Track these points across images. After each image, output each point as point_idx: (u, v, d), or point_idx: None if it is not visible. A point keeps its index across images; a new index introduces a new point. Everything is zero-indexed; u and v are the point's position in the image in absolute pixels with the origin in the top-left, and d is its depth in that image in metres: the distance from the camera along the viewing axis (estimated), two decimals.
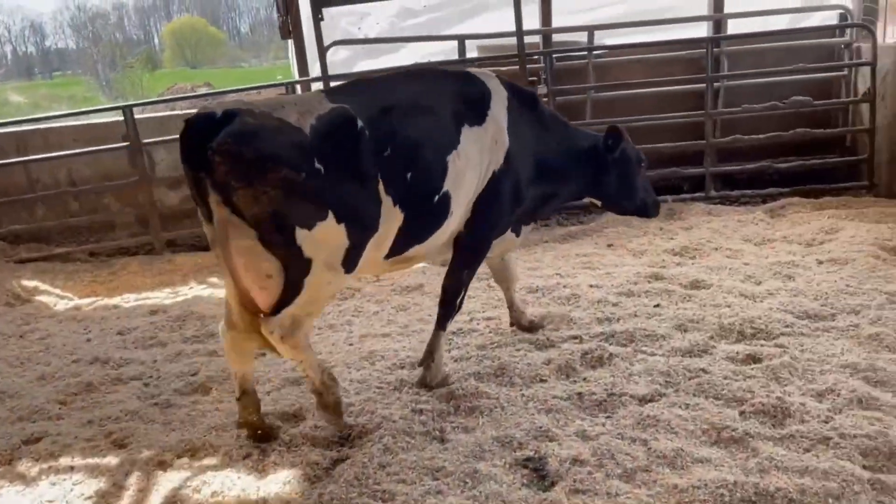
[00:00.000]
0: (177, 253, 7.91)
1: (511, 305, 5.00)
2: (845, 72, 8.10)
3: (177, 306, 6.31)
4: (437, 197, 3.80)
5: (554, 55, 7.76)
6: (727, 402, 3.84)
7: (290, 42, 7.51)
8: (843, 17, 8.18)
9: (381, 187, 3.53)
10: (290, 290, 3.37)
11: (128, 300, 6.67)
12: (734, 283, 5.56)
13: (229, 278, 3.41)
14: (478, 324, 5.28)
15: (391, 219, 3.60)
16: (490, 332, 5.09)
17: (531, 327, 4.96)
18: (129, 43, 48.55)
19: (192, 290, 6.85)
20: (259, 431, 3.81)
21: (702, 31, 8.11)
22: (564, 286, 5.88)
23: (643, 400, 3.97)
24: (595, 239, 7.23)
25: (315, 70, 7.52)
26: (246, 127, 3.15)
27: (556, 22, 7.87)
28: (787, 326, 4.68)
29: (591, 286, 5.81)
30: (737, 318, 4.82)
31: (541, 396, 4.06)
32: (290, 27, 7.14)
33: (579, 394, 4.06)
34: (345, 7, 7.90)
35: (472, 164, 3.92)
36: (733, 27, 8.11)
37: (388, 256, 3.79)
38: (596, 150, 4.52)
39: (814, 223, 6.89)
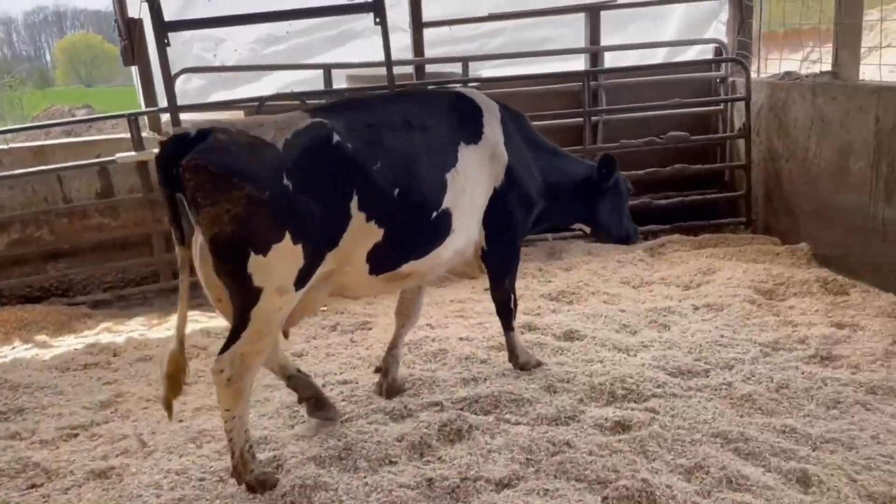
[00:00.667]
0: (2, 306, 6.98)
1: (392, 346, 4.64)
2: (721, 106, 8.13)
3: None
4: (434, 213, 3.87)
5: (428, 87, 7.38)
6: (590, 486, 3.48)
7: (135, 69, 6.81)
8: (718, 52, 8.22)
9: (353, 203, 3.53)
10: (238, 321, 3.35)
11: None
12: (609, 334, 5.28)
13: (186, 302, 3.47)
14: (332, 389, 4.76)
15: (361, 235, 3.59)
16: (343, 401, 4.57)
17: (393, 388, 4.58)
18: (18, 59, 45.86)
19: (12, 351, 6.00)
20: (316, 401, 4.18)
21: (581, 64, 7.94)
22: (433, 339, 5.45)
23: (500, 484, 3.55)
24: (471, 282, 6.85)
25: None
26: (216, 143, 3.21)
27: (430, 52, 7.53)
28: (658, 386, 4.39)
29: (461, 339, 5.41)
30: (608, 376, 4.51)
31: (386, 485, 3.57)
32: (132, 53, 6.44)
33: (430, 480, 3.60)
34: (198, 31, 7.30)
35: (471, 180, 4.03)
36: (611, 60, 8.01)
37: (377, 272, 3.78)
38: (590, 178, 4.63)
39: (692, 263, 6.77)
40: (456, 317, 6.00)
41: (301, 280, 3.42)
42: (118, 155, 6.83)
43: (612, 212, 4.82)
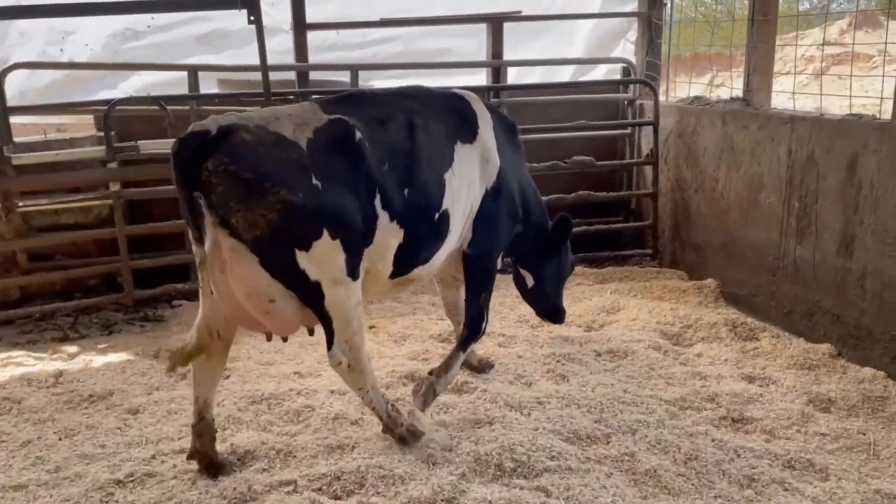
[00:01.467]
0: None
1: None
2: (629, 130, 7.73)
3: None
4: (437, 214, 3.88)
5: (312, 97, 6.61)
6: None
7: None
8: (626, 72, 7.84)
9: (377, 201, 3.57)
10: (323, 319, 3.53)
11: None
12: (501, 387, 4.66)
13: (212, 300, 3.46)
14: (162, 462, 3.91)
15: (389, 234, 3.65)
16: (173, 479, 3.74)
17: (483, 367, 4.87)
18: None
19: None
20: (211, 463, 3.73)
21: (482, 78, 7.37)
22: (299, 392, 4.69)
23: None
24: None
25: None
26: (243, 145, 3.18)
27: (317, 58, 6.78)
28: (553, 458, 3.78)
29: (332, 392, 4.66)
30: (496, 444, 3.88)
31: None
32: None
33: None
34: (40, 21, 6.28)
35: (465, 181, 4.03)
36: (515, 76, 7.48)
37: (394, 275, 3.84)
38: (547, 231, 4.76)
39: (595, 300, 6.27)
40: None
41: (350, 271, 3.49)
42: None
43: (554, 277, 4.96)
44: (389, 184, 3.61)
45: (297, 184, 3.25)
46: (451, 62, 7.31)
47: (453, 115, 4.13)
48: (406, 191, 3.70)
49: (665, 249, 7.33)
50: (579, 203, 7.23)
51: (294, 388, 4.77)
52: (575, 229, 7.12)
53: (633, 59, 7.78)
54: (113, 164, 6.05)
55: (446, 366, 4.30)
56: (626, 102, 7.79)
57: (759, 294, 5.89)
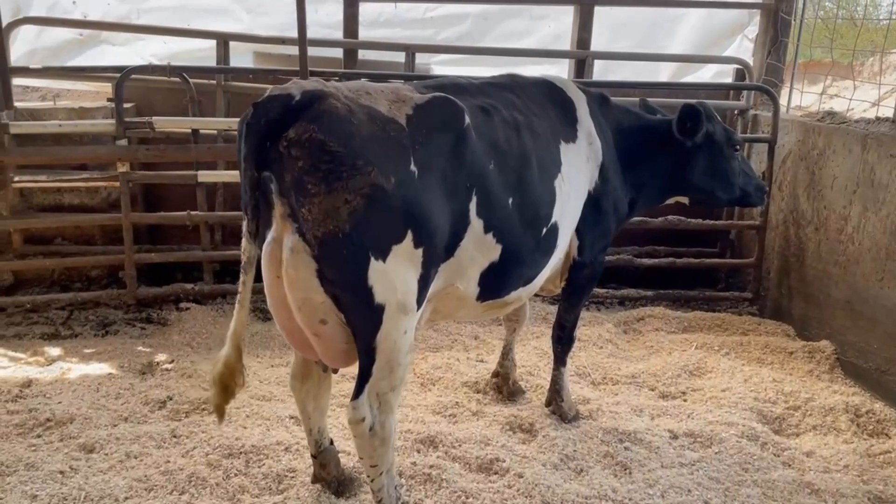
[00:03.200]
0: None
1: (506, 353, 4.54)
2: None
3: None
4: (545, 229, 3.47)
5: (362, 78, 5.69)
6: None
7: None
8: (740, 75, 6.61)
9: (472, 206, 3.05)
10: (364, 357, 2.86)
11: None
12: (543, 473, 3.65)
13: (245, 312, 2.86)
14: None
15: (479, 248, 3.15)
16: None
17: (514, 391, 4.52)
18: None
19: None
20: (340, 484, 3.49)
21: (561, 71, 6.28)
22: (287, 448, 3.85)
23: None
24: None
25: None
26: (334, 112, 2.66)
27: (367, 34, 5.85)
28: None
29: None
30: None
31: None
32: None
33: None
34: None
35: (574, 187, 3.66)
36: (601, 71, 6.35)
37: (483, 298, 3.35)
38: (668, 137, 4.06)
39: (676, 355, 5.13)
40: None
41: (420, 295, 2.93)
42: None
43: (712, 173, 4.20)
44: (493, 187, 3.12)
45: (393, 166, 2.73)
46: (528, 49, 6.22)
47: (552, 108, 3.70)
48: (511, 199, 3.23)
49: (769, 295, 6.09)
50: (667, 229, 6.09)
51: (283, 440, 3.90)
52: (660, 260, 6.11)
53: (749, 61, 6.53)
54: (122, 142, 5.30)
55: (557, 392, 4.24)
56: (736, 112, 6.57)
57: (893, 372, 4.64)
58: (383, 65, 5.91)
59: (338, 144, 2.63)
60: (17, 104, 5.43)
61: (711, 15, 6.82)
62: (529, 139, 3.37)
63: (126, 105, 5.55)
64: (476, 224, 3.09)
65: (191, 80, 5.43)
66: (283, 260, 2.76)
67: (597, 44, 6.15)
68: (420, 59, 5.87)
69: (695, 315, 5.88)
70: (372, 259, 2.73)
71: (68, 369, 4.83)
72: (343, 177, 2.64)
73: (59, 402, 4.32)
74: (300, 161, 2.62)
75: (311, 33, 5.46)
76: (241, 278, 2.83)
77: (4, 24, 5.10)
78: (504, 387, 4.53)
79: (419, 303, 2.96)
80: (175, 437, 3.98)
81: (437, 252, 2.95)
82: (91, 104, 5.72)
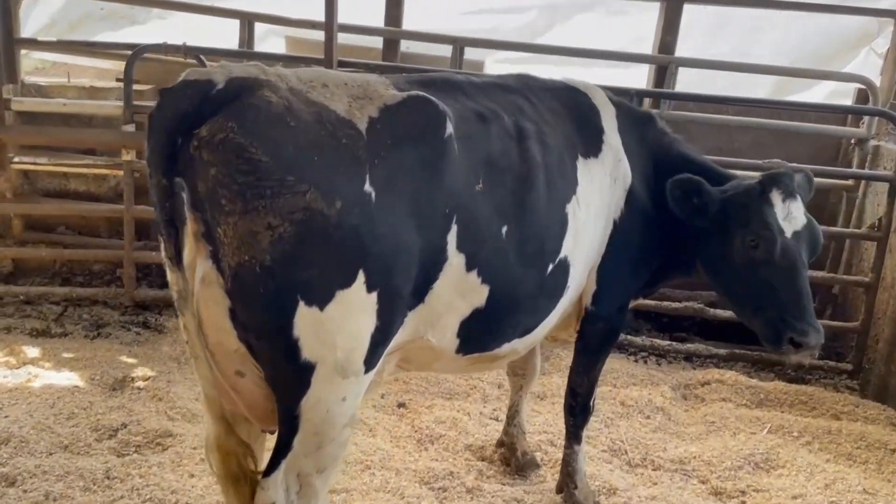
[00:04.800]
0: None
1: (513, 414, 3.78)
2: (850, 182, 5.43)
3: None
4: (550, 266, 2.79)
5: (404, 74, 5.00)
6: None
7: None
8: (862, 97, 5.50)
9: (451, 237, 2.43)
10: (284, 424, 2.29)
11: None
12: None
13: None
14: None
15: (458, 291, 2.52)
16: None
17: (525, 464, 3.71)
18: None
19: None
20: None
21: (639, 76, 5.37)
22: None
23: None
24: None
25: None
26: (263, 110, 2.11)
27: (413, 24, 5.15)
28: None
29: None
30: None
31: None
32: None
33: None
34: None
35: (592, 213, 2.96)
36: (686, 83, 5.38)
37: (466, 351, 2.71)
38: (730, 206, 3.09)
39: (741, 438, 4.18)
40: None
41: (373, 355, 2.36)
42: None
43: (750, 276, 3.01)
44: (480, 213, 2.54)
45: (339, 185, 2.16)
46: (598, 50, 5.32)
47: (571, 117, 3.06)
48: (505, 228, 2.62)
49: (874, 370, 4.98)
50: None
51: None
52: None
53: (875, 80, 5.41)
54: (129, 127, 4.82)
55: (569, 476, 3.43)
56: (853, 142, 5.51)
57: None
58: (429, 60, 5.20)
59: (262, 152, 2.08)
60: (28, 79, 5.05)
61: (833, 22, 5.73)
62: (537, 153, 2.77)
63: (143, 87, 5.10)
64: (456, 261, 2.50)
65: (206, 62, 4.88)
66: (194, 292, 2.22)
67: (685, 49, 5.21)
68: (471, 54, 5.11)
69: (774, 386, 4.85)
70: (301, 305, 2.16)
71: (35, 376, 4.38)
72: (266, 195, 2.08)
73: (6, 417, 3.88)
74: (213, 168, 2.09)
75: (356, 19, 4.84)
76: (181, 322, 2.27)
77: None
78: (512, 459, 3.75)
79: (372, 363, 2.38)
80: (108, 478, 3.43)
81: (400, 297, 2.37)
82: (105, 84, 5.30)
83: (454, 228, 2.46)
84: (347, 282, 2.20)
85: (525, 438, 3.79)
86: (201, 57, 4.92)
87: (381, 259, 2.25)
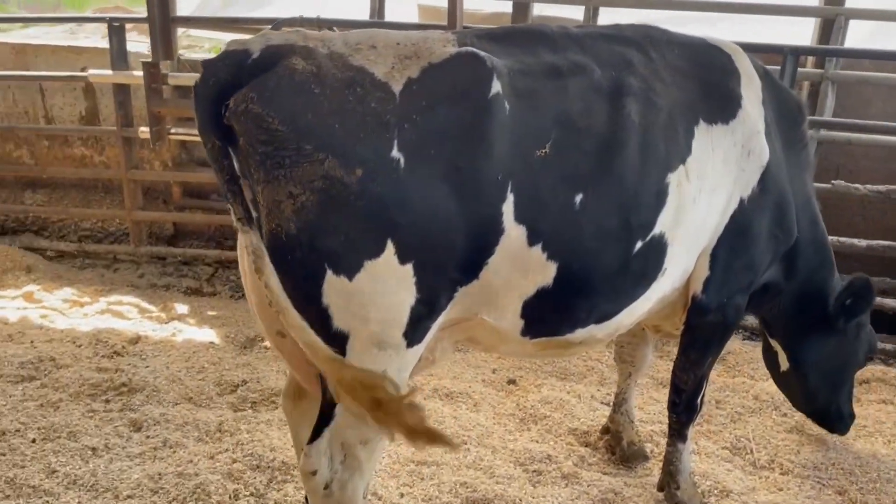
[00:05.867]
0: None
1: (620, 401, 3.56)
2: None
3: None
4: (639, 244, 2.53)
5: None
6: None
7: None
8: None
9: (507, 207, 2.26)
10: (326, 393, 2.29)
11: None
12: None
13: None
14: None
15: (517, 267, 2.34)
16: None
17: (631, 454, 3.50)
18: None
19: None
20: None
21: (801, 33, 4.74)
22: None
23: None
24: None
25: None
26: (287, 75, 2.09)
27: None
28: None
29: None
30: None
31: None
32: None
33: None
34: None
35: (706, 186, 2.66)
36: (857, 37, 4.67)
37: (533, 334, 2.55)
38: (826, 293, 3.26)
39: (882, 441, 3.61)
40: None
41: (415, 329, 2.25)
42: (90, 71, 5.36)
43: (830, 365, 3.35)
44: (545, 180, 2.30)
45: (359, 151, 2.08)
46: (749, 3, 4.72)
47: (700, 76, 2.70)
48: (579, 197, 2.35)
49: None
50: (873, 257, 4.39)
51: None
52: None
53: None
54: None
55: (671, 475, 3.18)
56: None
57: None
58: (561, 23, 4.91)
59: (278, 121, 2.07)
60: (185, 54, 5.42)
61: None
62: (635, 112, 2.45)
63: None
64: (514, 233, 2.28)
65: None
66: (245, 251, 2.27)
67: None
68: (608, 15, 4.77)
69: None
70: (329, 273, 2.12)
71: (179, 331, 4.76)
72: (285, 164, 2.07)
73: (146, 367, 4.23)
74: (241, 138, 2.11)
75: None
76: (262, 280, 2.16)
77: None
78: (617, 448, 3.51)
79: (415, 338, 2.27)
80: (220, 431, 3.63)
81: (442, 270, 2.24)
82: None
83: (510, 197, 2.26)
84: (376, 252, 2.13)
85: (633, 427, 3.53)
86: (334, 28, 5.00)
87: (412, 229, 2.14)
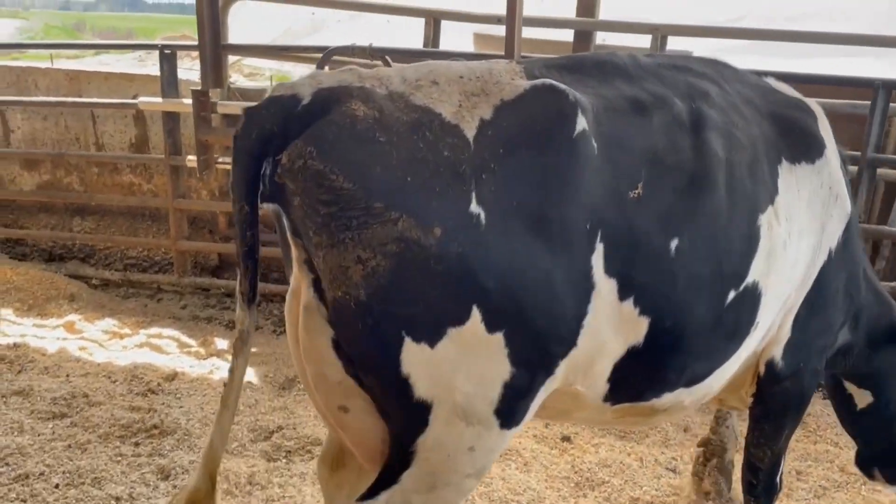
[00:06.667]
0: (14, 259, 5.96)
1: (724, 415, 3.23)
2: None
3: None
4: (732, 294, 2.26)
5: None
6: None
7: None
8: None
9: (596, 259, 2.01)
10: (396, 454, 2.02)
11: None
12: None
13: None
14: None
15: (611, 326, 2.08)
16: None
17: (727, 471, 3.22)
18: None
19: None
20: None
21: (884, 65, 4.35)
22: None
23: None
24: None
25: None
26: (347, 125, 1.83)
27: (611, 14, 4.63)
28: None
29: None
30: None
31: None
32: None
33: None
34: None
35: (795, 229, 2.42)
36: None
37: (614, 400, 2.29)
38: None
39: None
40: None
41: (510, 408, 2.00)
42: (141, 99, 5.27)
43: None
44: (634, 225, 2.05)
45: (435, 208, 1.83)
46: (840, 34, 4.36)
47: (775, 114, 2.48)
48: (674, 243, 2.11)
49: None
50: None
51: None
52: None
53: None
54: None
55: None
56: None
57: None
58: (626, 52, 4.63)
59: (344, 178, 1.81)
60: (234, 83, 5.31)
61: None
62: (719, 146, 2.21)
63: None
64: (605, 288, 2.03)
65: (392, 64, 4.76)
66: (299, 319, 2.01)
67: None
68: (675, 44, 4.47)
69: None
70: (408, 341, 1.88)
71: (217, 368, 4.58)
72: (352, 226, 1.82)
73: (180, 408, 4.05)
74: (297, 198, 1.85)
75: (546, 10, 4.45)
76: (231, 363, 2.08)
77: (221, 1, 4.95)
78: (716, 459, 3.24)
79: (510, 419, 2.01)
80: (250, 483, 3.41)
81: (539, 341, 1.97)
82: None
83: (600, 248, 2.01)
84: (460, 319, 1.88)
85: (737, 444, 3.19)
86: (387, 58, 4.82)
87: (499, 294, 1.88)
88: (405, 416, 1.98)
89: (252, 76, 5.97)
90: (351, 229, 1.82)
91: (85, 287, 5.67)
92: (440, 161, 1.86)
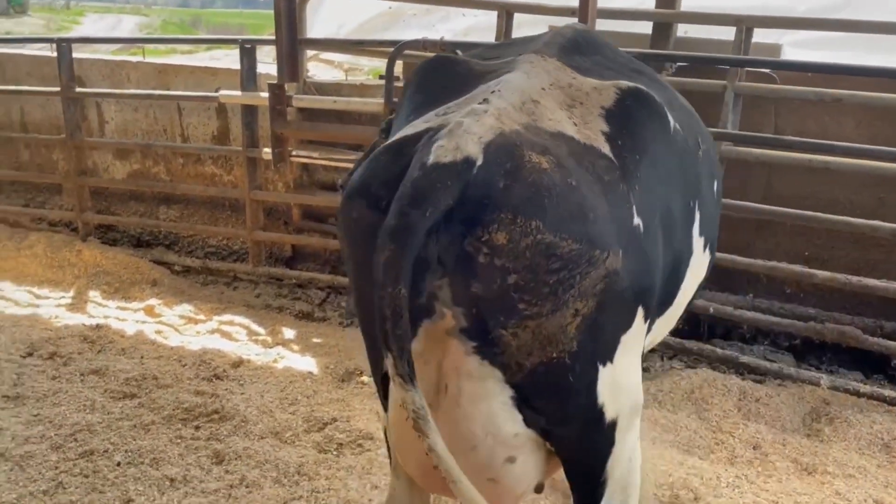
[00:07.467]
0: (105, 244, 6.25)
1: None
2: None
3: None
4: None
5: (677, 63, 4.33)
6: None
7: None
8: None
9: (695, 228, 2.30)
10: (586, 486, 2.02)
11: None
12: None
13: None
14: None
15: (695, 272, 2.39)
16: None
17: None
18: None
19: (64, 300, 5.41)
20: None
21: None
22: None
23: None
24: None
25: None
26: (545, 184, 1.70)
27: (693, 5, 4.40)
28: None
29: None
30: None
31: None
32: None
33: None
34: None
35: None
36: None
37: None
38: None
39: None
40: None
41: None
42: (221, 92, 5.42)
43: None
44: (704, 183, 2.37)
45: (620, 233, 1.82)
46: None
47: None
48: (715, 184, 2.59)
49: None
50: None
51: None
52: None
53: None
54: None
55: None
56: None
57: None
58: (708, 45, 4.38)
59: (572, 240, 1.70)
60: (310, 76, 5.38)
61: None
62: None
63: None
64: (697, 246, 2.34)
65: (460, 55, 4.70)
66: (449, 390, 1.84)
67: None
68: (762, 36, 4.19)
69: None
70: (600, 369, 1.87)
71: (281, 357, 4.66)
72: (576, 282, 1.73)
73: (242, 394, 4.13)
74: (511, 275, 1.68)
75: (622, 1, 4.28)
76: (427, 444, 1.67)
77: None
78: None
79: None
80: (298, 474, 3.43)
81: (658, 308, 2.18)
82: (373, 82, 5.42)
83: (697, 216, 2.29)
84: (629, 324, 1.93)
85: None
86: (458, 52, 4.75)
87: (654, 287, 2.02)
88: (599, 445, 1.96)
89: (351, 71, 6.02)
90: (574, 286, 1.73)
91: (167, 273, 5.90)
92: (605, 185, 1.84)
